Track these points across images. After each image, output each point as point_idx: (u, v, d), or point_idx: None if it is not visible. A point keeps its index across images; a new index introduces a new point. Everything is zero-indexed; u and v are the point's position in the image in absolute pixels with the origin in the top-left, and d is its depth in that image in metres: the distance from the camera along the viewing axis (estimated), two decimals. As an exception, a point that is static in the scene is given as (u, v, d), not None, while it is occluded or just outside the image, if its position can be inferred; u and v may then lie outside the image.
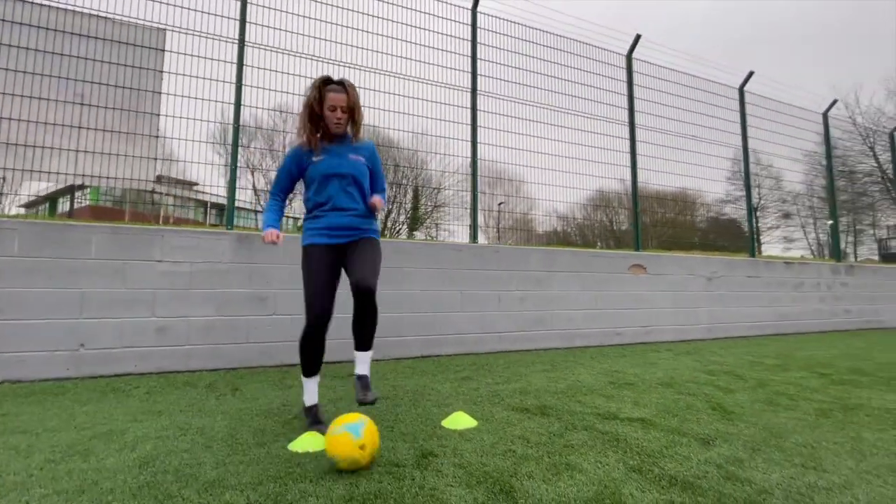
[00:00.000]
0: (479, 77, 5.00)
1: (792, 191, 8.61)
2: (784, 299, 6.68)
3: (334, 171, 2.10)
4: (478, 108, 4.94)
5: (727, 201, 9.57)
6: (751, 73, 6.93)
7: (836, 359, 4.26)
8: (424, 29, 4.82)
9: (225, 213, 4.13)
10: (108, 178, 3.63)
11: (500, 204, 5.85)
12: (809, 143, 8.03)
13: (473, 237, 4.82)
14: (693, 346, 5.09)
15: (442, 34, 4.92)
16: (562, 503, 1.36)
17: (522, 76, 5.37)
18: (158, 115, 3.68)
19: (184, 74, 3.78)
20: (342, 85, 2.09)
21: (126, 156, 3.63)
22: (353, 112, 2.12)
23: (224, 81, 3.87)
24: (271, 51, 4.16)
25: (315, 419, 2.08)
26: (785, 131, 7.58)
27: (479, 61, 5.03)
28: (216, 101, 3.81)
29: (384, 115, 4.60)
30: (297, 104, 4.23)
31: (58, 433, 1.99)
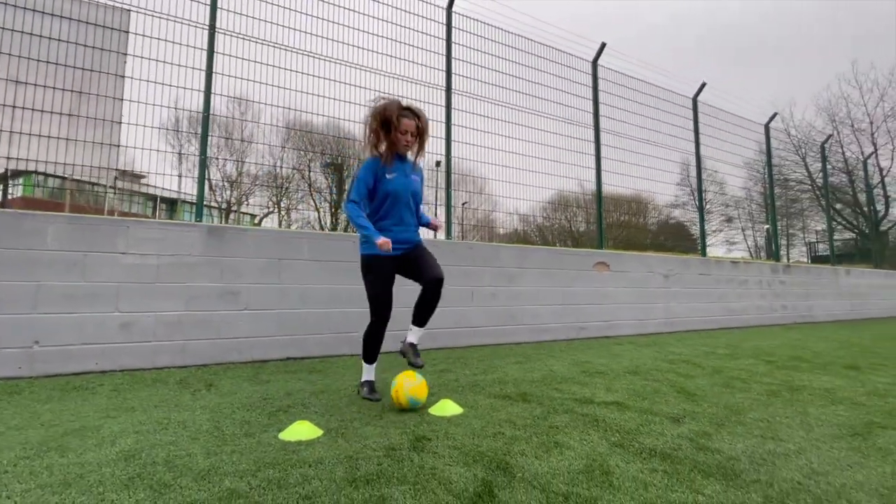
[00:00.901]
0: (453, 76, 5.07)
1: (734, 196, 9.27)
2: (731, 296, 7.19)
3: (403, 190, 2.42)
4: (452, 106, 5.01)
5: (676, 205, 10.21)
6: (703, 85, 7.41)
7: (778, 348, 4.66)
8: (399, 25, 4.84)
9: (177, 205, 3.99)
10: (54, 163, 3.40)
11: (463, 203, 5.95)
12: (750, 152, 8.68)
13: (448, 233, 4.88)
14: (652, 339, 5.40)
15: (417, 31, 4.96)
16: (556, 475, 1.45)
17: (492, 76, 5.48)
18: (121, 99, 3.49)
19: (150, 58, 3.61)
20: (414, 112, 2.38)
21: (67, 139, 3.41)
22: (421, 137, 2.43)
23: (195, 68, 3.74)
24: (241, 38, 4.05)
25: (372, 389, 2.51)
26: (730, 139, 8.16)
27: (453, 60, 5.10)
28: (187, 89, 3.66)
29: (348, 107, 4.53)
30: (259, 93, 4.12)
31: (24, 431, 1.87)
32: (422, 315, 2.49)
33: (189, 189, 4.03)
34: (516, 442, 1.77)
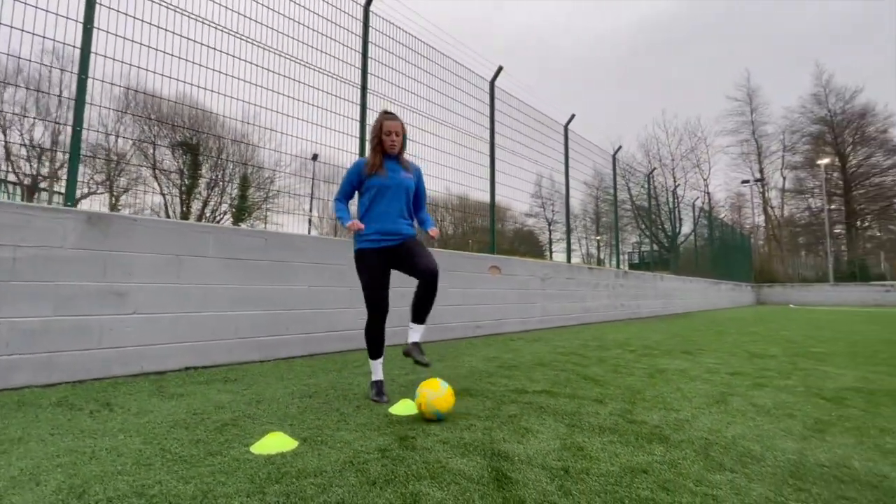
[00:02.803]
0: (369, 76, 5.04)
1: (573, 210, 11.01)
2: (588, 297, 8.52)
3: (388, 184, 2.55)
4: (367, 106, 4.97)
5: (530, 215, 11.76)
6: (573, 116, 8.63)
7: (630, 340, 5.73)
8: (314, 12, 4.62)
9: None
10: None
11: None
12: (591, 173, 10.36)
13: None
14: (535, 335, 6.12)
15: (332, 22, 4.79)
16: (546, 455, 1.67)
17: (399, 79, 5.57)
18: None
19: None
20: (395, 116, 2.61)
21: None
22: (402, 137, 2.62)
23: (68, 18, 3.04)
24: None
25: (379, 391, 2.54)
26: (585, 162, 9.63)
27: (369, 60, 5.07)
28: (62, 44, 2.96)
29: (225, 81, 4.15)
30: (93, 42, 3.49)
31: None
32: (418, 311, 2.52)
33: None
34: (492, 431, 1.95)
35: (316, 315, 4.16)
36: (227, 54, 4.01)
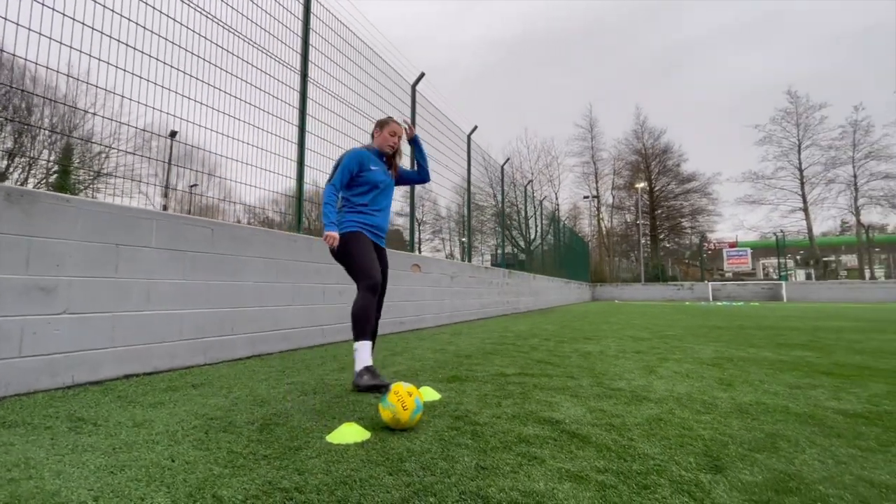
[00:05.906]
0: (310, 64, 4.83)
1: (438, 214, 11.97)
2: (485, 294, 9.31)
3: (387, 183, 2.84)
4: (308, 96, 4.77)
5: (400, 214, 12.49)
6: (475, 127, 9.35)
7: (534, 331, 6.55)
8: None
9: None
10: None
11: (192, 186, 5.59)
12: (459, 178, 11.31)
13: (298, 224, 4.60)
14: (452, 329, 6.54)
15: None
16: (582, 416, 2.04)
17: (330, 68, 5.46)
18: None
19: None
20: (397, 123, 2.92)
21: None
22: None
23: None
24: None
25: (374, 373, 2.48)
26: (477, 167, 10.47)
27: (310, 48, 4.86)
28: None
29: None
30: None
31: None
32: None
33: None
34: (523, 405, 2.25)
35: (262, 313, 3.88)
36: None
